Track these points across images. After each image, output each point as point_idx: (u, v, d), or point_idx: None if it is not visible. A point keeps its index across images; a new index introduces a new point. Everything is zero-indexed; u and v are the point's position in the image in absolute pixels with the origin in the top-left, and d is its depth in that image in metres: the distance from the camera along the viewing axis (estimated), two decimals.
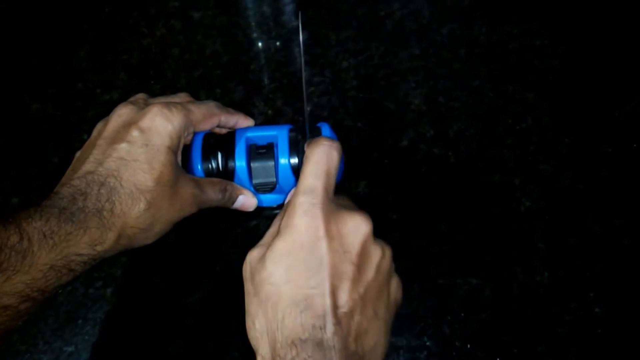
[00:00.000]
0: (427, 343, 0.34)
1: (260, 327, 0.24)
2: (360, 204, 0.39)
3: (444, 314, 0.35)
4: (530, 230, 0.38)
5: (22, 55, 0.49)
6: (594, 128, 0.42)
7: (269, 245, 0.25)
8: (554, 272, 0.36)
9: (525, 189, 0.39)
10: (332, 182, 0.26)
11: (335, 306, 0.23)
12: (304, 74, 0.34)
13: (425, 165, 0.41)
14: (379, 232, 0.38)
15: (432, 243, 0.38)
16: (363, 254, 0.25)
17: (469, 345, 0.34)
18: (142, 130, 0.30)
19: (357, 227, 0.25)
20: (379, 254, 0.25)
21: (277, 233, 0.25)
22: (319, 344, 0.22)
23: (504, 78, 0.44)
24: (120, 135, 0.30)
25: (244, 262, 0.26)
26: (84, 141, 0.33)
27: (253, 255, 0.26)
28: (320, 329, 0.22)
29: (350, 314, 0.23)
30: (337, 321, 0.23)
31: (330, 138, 0.27)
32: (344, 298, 0.23)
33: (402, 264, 0.37)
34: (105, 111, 0.33)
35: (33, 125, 0.45)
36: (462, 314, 0.35)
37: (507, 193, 0.39)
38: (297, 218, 0.24)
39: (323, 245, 0.24)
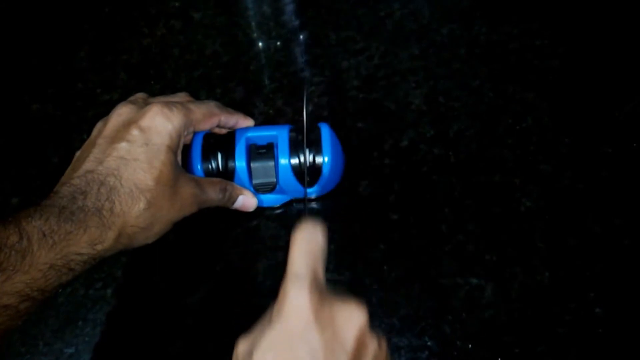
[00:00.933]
0: (428, 343, 0.34)
1: None
2: (361, 204, 0.40)
3: (445, 314, 0.35)
4: (530, 230, 0.38)
5: (22, 55, 0.49)
6: (594, 128, 0.42)
7: (258, 335, 0.23)
8: (554, 272, 0.36)
9: (526, 189, 0.39)
10: (320, 266, 0.25)
11: None
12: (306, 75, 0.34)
13: (425, 165, 0.41)
14: (380, 232, 0.38)
15: (433, 243, 0.38)
16: (359, 346, 0.23)
17: (470, 345, 0.34)
18: (142, 130, 0.30)
19: (352, 316, 0.23)
20: (375, 345, 0.24)
21: (268, 322, 0.23)
22: None
23: (504, 78, 0.44)
24: (120, 134, 0.30)
25: (233, 354, 0.24)
26: (84, 141, 0.33)
27: (242, 346, 0.24)
28: None
29: None
30: None
31: (313, 221, 0.26)
32: None
33: (402, 264, 0.37)
34: (105, 111, 0.33)
35: (33, 125, 0.45)
36: (463, 314, 0.35)
37: (507, 193, 0.39)
38: (287, 306, 0.23)
39: (315, 335, 0.22)
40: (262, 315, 0.25)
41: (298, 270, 0.24)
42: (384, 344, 0.24)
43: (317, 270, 0.24)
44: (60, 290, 0.28)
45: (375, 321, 0.34)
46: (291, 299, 0.23)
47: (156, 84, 0.46)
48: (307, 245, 0.25)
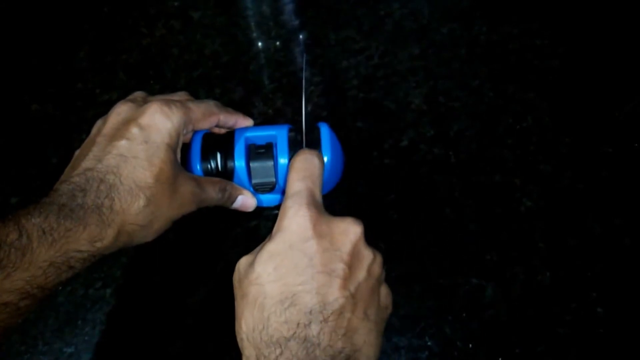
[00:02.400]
0: (429, 343, 0.34)
1: (246, 328, 0.24)
2: (361, 204, 0.40)
3: (445, 314, 0.35)
4: (530, 230, 0.38)
5: (22, 55, 0.49)
6: (594, 128, 0.41)
7: (258, 250, 0.25)
8: (555, 272, 0.36)
9: (526, 189, 0.39)
10: (317, 185, 0.27)
11: (322, 303, 0.23)
12: (304, 75, 0.34)
13: (425, 165, 0.41)
14: (380, 232, 0.38)
15: (433, 243, 0.37)
16: (354, 255, 0.25)
17: (470, 345, 0.34)
18: (141, 127, 0.30)
19: (348, 227, 0.25)
20: (370, 257, 0.25)
21: (269, 238, 0.25)
22: (303, 342, 0.22)
23: (504, 78, 0.44)
24: (119, 132, 0.30)
25: (235, 270, 0.26)
26: (83, 141, 0.33)
27: (242, 261, 0.26)
28: (305, 326, 0.22)
29: (339, 311, 0.23)
30: (324, 318, 0.23)
31: (311, 149, 0.29)
32: (333, 295, 0.23)
33: (403, 264, 0.37)
34: (104, 111, 0.33)
35: (33, 125, 0.45)
36: (464, 314, 0.35)
37: (508, 193, 0.39)
38: (286, 220, 0.25)
39: (312, 244, 0.24)
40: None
41: (296, 189, 0.26)
42: (378, 257, 0.26)
43: (314, 190, 0.27)
44: (59, 288, 0.28)
45: None
46: (290, 213, 0.25)
47: (156, 84, 0.46)
48: (304, 168, 0.27)
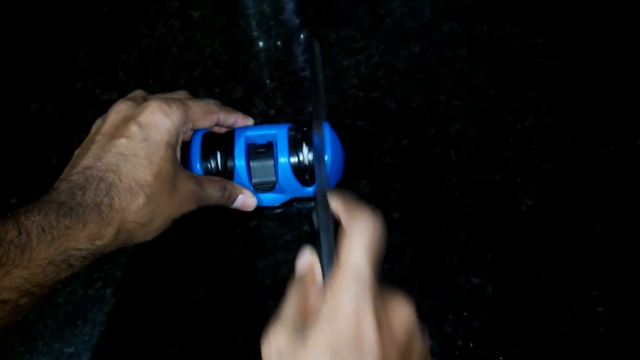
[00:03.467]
0: (429, 342, 0.34)
1: None
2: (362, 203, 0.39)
3: (446, 313, 0.35)
4: (531, 229, 0.37)
5: (22, 55, 0.49)
6: (595, 126, 0.41)
7: (300, 324, 0.22)
8: (555, 271, 0.36)
9: (527, 188, 0.39)
10: (378, 263, 0.22)
11: None
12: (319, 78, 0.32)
13: (426, 164, 0.41)
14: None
15: (434, 242, 0.37)
16: (409, 343, 0.22)
17: (471, 345, 0.34)
18: (141, 126, 0.30)
19: (404, 313, 0.22)
20: (422, 341, 0.23)
21: (318, 316, 0.21)
22: None
23: (505, 77, 0.44)
24: (119, 130, 0.30)
25: (267, 342, 0.22)
26: (83, 141, 0.33)
27: (282, 336, 0.22)
28: None
29: None
30: None
31: (370, 209, 0.23)
32: None
33: (403, 263, 0.37)
34: (104, 111, 0.33)
35: (33, 125, 0.45)
36: (465, 313, 0.35)
37: (509, 192, 0.39)
38: (347, 304, 0.21)
39: (372, 338, 0.21)
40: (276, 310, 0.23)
41: (360, 268, 0.21)
42: (426, 338, 0.24)
43: (376, 269, 0.22)
44: (59, 287, 0.28)
45: None
46: (352, 298, 0.21)
47: (155, 84, 0.46)
48: (371, 238, 0.22)
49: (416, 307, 0.23)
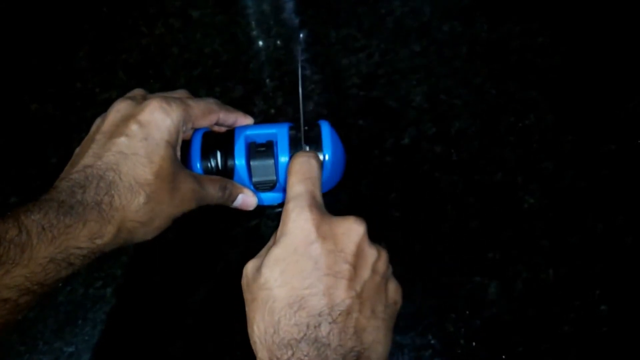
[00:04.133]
0: (432, 341, 0.34)
1: (258, 331, 0.24)
2: (362, 203, 0.39)
3: (448, 312, 0.35)
4: (533, 228, 0.37)
5: (22, 55, 0.49)
6: (596, 126, 0.41)
7: (264, 255, 0.26)
8: (557, 269, 0.36)
9: (528, 187, 0.39)
10: (317, 187, 0.28)
11: (330, 305, 0.23)
12: (300, 73, 0.34)
13: (426, 163, 0.40)
14: (381, 231, 0.38)
15: (435, 241, 0.37)
16: (358, 254, 0.25)
17: (473, 343, 0.34)
18: (141, 124, 0.30)
19: (351, 227, 0.25)
20: (374, 255, 0.26)
21: (273, 243, 0.26)
22: (314, 342, 0.23)
23: (505, 76, 0.44)
24: (119, 129, 0.30)
25: (242, 275, 0.27)
26: (83, 140, 0.32)
27: (249, 266, 0.27)
28: (315, 327, 0.23)
29: (347, 311, 0.24)
30: (333, 319, 0.23)
31: (308, 151, 0.29)
32: (340, 296, 0.24)
33: (405, 262, 0.37)
34: (104, 111, 0.33)
35: (33, 125, 0.45)
36: (467, 312, 0.35)
37: (510, 191, 0.39)
38: (289, 223, 0.25)
39: (317, 247, 0.24)
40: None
41: (296, 192, 0.27)
42: (383, 254, 0.26)
43: (314, 192, 0.27)
44: (59, 285, 0.28)
45: None
46: (292, 217, 0.25)
47: (155, 83, 0.46)
48: (303, 170, 0.28)
49: (396, 257, 0.27)
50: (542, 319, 0.34)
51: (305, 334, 0.23)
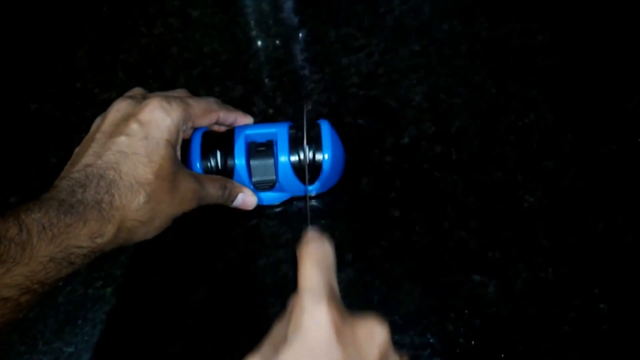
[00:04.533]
0: (431, 340, 0.34)
1: None
2: (362, 202, 0.39)
3: (448, 311, 0.35)
4: (533, 227, 0.37)
5: (21, 55, 0.49)
6: (596, 125, 0.41)
7: (271, 353, 0.22)
8: (557, 268, 0.36)
9: (528, 186, 0.39)
10: (334, 279, 0.24)
11: None
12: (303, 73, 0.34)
13: (427, 162, 0.40)
14: (382, 230, 0.38)
15: (435, 240, 0.37)
16: None
17: (473, 343, 0.34)
18: (141, 123, 0.30)
19: (374, 331, 0.22)
20: None
21: (284, 341, 0.22)
22: None
23: (505, 75, 0.44)
24: (119, 128, 0.30)
25: None
26: (82, 141, 0.32)
27: None
28: None
29: None
30: None
31: (317, 232, 0.25)
32: None
33: (404, 261, 0.37)
34: (103, 111, 0.33)
35: (32, 125, 0.45)
36: (466, 311, 0.35)
37: (510, 190, 0.39)
38: (305, 321, 0.21)
39: (337, 354, 0.21)
40: (267, 333, 0.23)
41: (313, 284, 0.22)
42: None
43: (332, 283, 0.23)
44: (60, 284, 0.28)
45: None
46: (310, 314, 0.22)
47: (155, 83, 0.46)
48: (318, 257, 0.23)
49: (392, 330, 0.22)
50: (541, 318, 0.34)
51: None
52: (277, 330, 0.24)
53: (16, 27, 0.51)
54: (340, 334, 0.21)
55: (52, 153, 0.43)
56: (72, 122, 0.45)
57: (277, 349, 0.22)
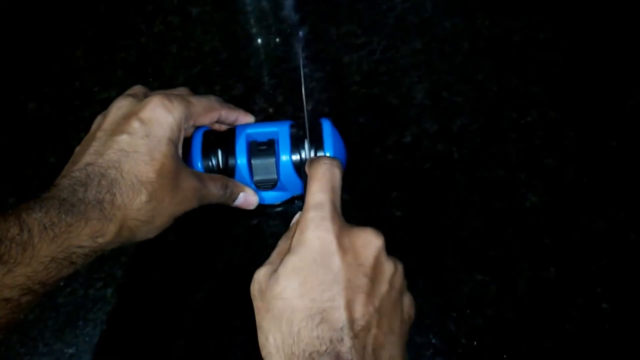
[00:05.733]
0: (433, 340, 0.34)
1: (274, 342, 0.23)
2: (364, 201, 0.39)
3: (450, 311, 0.35)
4: (535, 225, 0.37)
5: (19, 55, 0.49)
6: (598, 122, 0.41)
7: (279, 263, 0.25)
8: (560, 267, 0.36)
9: (530, 184, 0.39)
10: (339, 197, 0.27)
11: (351, 319, 0.23)
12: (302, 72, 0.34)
13: (428, 161, 0.40)
14: (383, 229, 0.38)
15: (437, 239, 0.37)
16: (376, 268, 0.25)
17: (475, 342, 0.33)
18: (142, 122, 0.29)
19: (369, 240, 0.25)
20: (391, 268, 0.25)
21: (289, 250, 0.25)
22: (337, 357, 0.22)
23: (507, 72, 0.44)
24: (120, 127, 0.30)
25: (252, 281, 0.26)
26: (82, 140, 0.32)
27: (261, 273, 0.25)
28: (338, 342, 0.22)
29: (367, 327, 0.23)
30: (354, 334, 0.23)
31: (330, 157, 0.28)
32: (359, 311, 0.23)
33: (406, 260, 0.36)
34: (103, 110, 0.32)
35: (30, 125, 0.45)
36: (468, 311, 0.34)
37: (512, 188, 0.39)
38: (310, 232, 0.24)
39: (337, 259, 0.24)
40: (275, 248, 0.27)
41: (318, 201, 0.25)
42: (400, 267, 0.26)
43: (336, 201, 0.26)
44: (61, 284, 0.27)
45: None
46: (313, 226, 0.24)
47: (154, 82, 0.46)
48: (326, 178, 0.26)
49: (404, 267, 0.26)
50: (544, 317, 0.34)
51: (327, 348, 0.22)
52: (283, 243, 0.27)
53: (13, 25, 0.51)
54: (340, 243, 0.24)
55: (50, 153, 0.43)
56: (70, 122, 0.44)
57: (283, 258, 0.25)
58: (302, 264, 0.24)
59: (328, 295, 0.23)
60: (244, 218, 0.39)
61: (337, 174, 0.27)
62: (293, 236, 0.25)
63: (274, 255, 0.26)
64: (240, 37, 0.48)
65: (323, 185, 0.26)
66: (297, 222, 0.26)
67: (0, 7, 0.52)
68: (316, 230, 0.24)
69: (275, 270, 0.25)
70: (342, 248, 0.24)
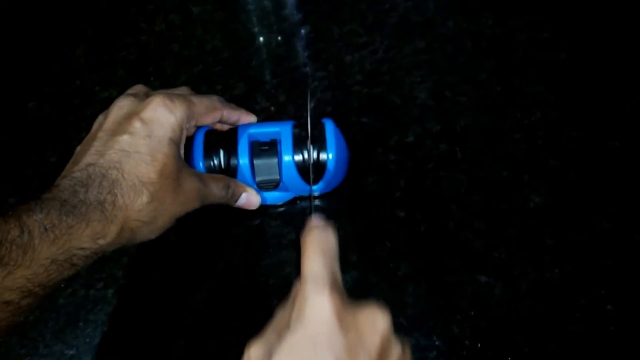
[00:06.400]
0: (437, 342, 0.34)
1: None
2: (366, 201, 0.39)
3: (453, 313, 0.34)
4: (539, 226, 0.37)
5: (19, 54, 0.49)
6: (602, 122, 0.41)
7: (274, 339, 0.22)
8: (564, 268, 0.35)
9: (534, 185, 0.38)
10: (337, 267, 0.24)
11: None
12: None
13: (431, 161, 0.40)
14: (386, 230, 0.37)
15: (440, 240, 0.37)
16: (383, 350, 0.22)
17: (479, 344, 0.33)
18: (144, 122, 0.29)
19: (374, 319, 0.22)
20: (399, 350, 0.23)
21: (287, 327, 0.23)
22: None
23: (510, 71, 0.44)
24: (121, 127, 0.29)
25: (244, 356, 0.23)
26: (82, 140, 0.32)
27: (254, 350, 0.23)
28: None
29: None
30: None
31: (321, 220, 0.25)
32: None
33: (409, 261, 0.36)
34: (104, 109, 0.32)
35: (30, 125, 0.45)
36: (472, 312, 0.34)
37: (515, 189, 0.38)
38: (308, 308, 0.22)
39: (339, 340, 0.21)
40: (270, 319, 0.24)
41: (315, 272, 0.23)
42: (408, 350, 0.23)
43: (334, 271, 0.24)
44: (62, 285, 0.27)
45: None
46: (312, 302, 0.22)
47: (155, 81, 0.46)
48: (321, 246, 0.24)
49: (393, 320, 0.23)
50: (548, 318, 0.34)
51: None
52: (280, 317, 0.24)
53: (13, 25, 0.50)
54: (342, 322, 0.22)
55: (51, 152, 0.43)
56: (71, 121, 0.44)
57: (280, 336, 0.22)
58: (300, 344, 0.21)
59: None
60: (245, 218, 0.38)
61: (331, 237, 0.25)
62: (292, 311, 0.23)
63: (270, 330, 0.24)
64: (241, 36, 0.48)
65: (317, 251, 0.24)
66: (295, 295, 0.24)
67: (0, 7, 0.52)
68: (315, 306, 0.22)
69: (270, 351, 0.22)
70: (345, 327, 0.22)
